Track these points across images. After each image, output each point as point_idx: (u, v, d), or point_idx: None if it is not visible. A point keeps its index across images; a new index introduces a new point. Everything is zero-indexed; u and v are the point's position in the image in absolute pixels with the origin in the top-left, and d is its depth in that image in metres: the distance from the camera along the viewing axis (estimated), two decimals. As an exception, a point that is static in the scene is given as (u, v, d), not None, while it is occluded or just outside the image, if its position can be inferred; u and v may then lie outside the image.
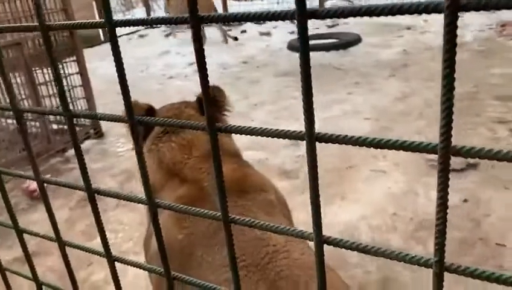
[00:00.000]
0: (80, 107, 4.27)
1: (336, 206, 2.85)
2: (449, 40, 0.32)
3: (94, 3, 10.46)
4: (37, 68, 4.03)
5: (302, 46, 0.38)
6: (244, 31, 9.13)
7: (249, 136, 0.45)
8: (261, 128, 0.45)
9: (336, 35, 7.52)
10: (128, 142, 3.94)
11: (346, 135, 0.41)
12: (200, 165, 1.44)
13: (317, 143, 0.42)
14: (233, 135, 1.50)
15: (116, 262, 0.67)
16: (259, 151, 3.62)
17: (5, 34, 3.63)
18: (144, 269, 0.67)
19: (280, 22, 8.20)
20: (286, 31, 8.39)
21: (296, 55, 6.90)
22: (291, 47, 7.16)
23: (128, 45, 9.61)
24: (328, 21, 8.90)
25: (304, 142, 0.42)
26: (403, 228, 2.56)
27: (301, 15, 0.36)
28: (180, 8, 8.35)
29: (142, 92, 5.73)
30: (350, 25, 8.01)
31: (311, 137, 0.42)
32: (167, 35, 9.17)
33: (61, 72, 4.17)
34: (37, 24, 0.52)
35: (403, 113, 4.09)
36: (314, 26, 8.82)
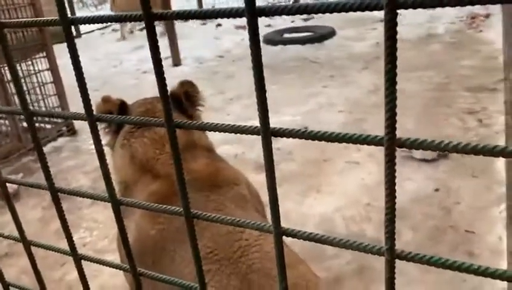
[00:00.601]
0: (51, 104, 4.18)
1: (312, 199, 2.88)
2: (390, 37, 0.33)
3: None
4: (5, 65, 3.91)
5: (253, 43, 0.38)
6: (219, 25, 9.09)
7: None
8: (218, 123, 0.46)
9: (311, 29, 7.57)
10: (102, 139, 3.88)
11: (300, 130, 0.42)
12: (172, 160, 1.44)
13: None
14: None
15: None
16: (234, 145, 3.62)
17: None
18: (111, 267, 0.66)
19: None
20: (262, 24, 8.38)
21: (273, 48, 6.94)
22: (267, 40, 7.16)
23: (101, 40, 9.45)
24: (303, 15, 8.95)
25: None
26: (377, 218, 2.61)
27: (251, 13, 0.37)
28: (127, 7, 7.99)
29: (117, 88, 5.65)
30: (325, 18, 8.06)
31: (266, 132, 0.43)
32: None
33: (31, 68, 4.07)
34: (-9, 22, 0.51)
35: (376, 106, 4.16)
36: (290, 19, 8.85)
